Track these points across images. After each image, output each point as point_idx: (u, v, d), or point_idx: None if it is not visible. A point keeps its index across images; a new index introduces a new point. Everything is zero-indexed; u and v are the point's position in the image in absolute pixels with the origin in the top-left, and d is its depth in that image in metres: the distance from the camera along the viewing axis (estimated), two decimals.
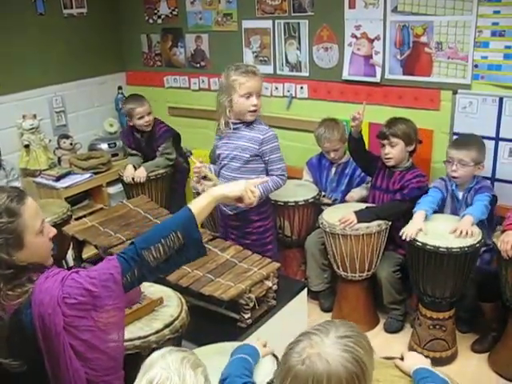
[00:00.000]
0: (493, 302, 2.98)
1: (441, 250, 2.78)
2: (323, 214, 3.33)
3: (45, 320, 1.59)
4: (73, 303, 1.59)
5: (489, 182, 3.18)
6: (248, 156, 2.99)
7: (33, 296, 1.62)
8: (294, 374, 1.26)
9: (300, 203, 3.48)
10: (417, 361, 1.73)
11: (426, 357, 2.83)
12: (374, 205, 3.33)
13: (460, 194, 3.12)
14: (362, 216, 3.15)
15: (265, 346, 1.93)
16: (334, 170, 3.68)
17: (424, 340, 3.02)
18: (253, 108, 2.95)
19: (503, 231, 2.79)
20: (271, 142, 3.00)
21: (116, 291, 1.65)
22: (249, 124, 3.00)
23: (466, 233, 2.80)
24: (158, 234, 1.78)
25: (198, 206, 1.87)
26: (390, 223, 3.20)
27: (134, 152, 4.16)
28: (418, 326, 3.06)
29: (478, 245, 2.81)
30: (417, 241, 2.85)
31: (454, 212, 3.12)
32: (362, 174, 3.61)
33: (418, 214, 2.98)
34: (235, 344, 2.03)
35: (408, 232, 2.88)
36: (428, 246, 2.81)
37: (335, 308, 3.47)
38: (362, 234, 3.14)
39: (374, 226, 3.14)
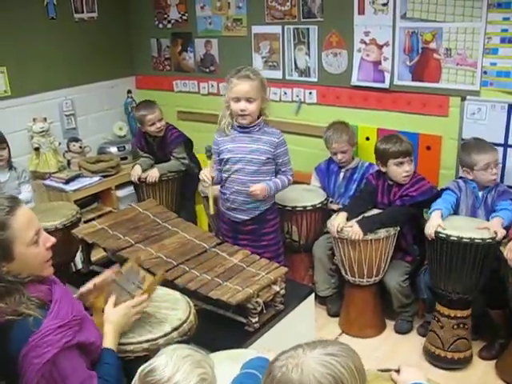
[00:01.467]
0: (501, 309, 2.98)
1: (464, 240, 2.83)
2: (331, 219, 3.34)
3: (25, 363, 1.61)
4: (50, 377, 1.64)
5: (505, 185, 3.17)
6: (264, 158, 3.04)
7: (33, 335, 1.62)
8: (271, 380, 1.27)
9: (308, 208, 3.49)
10: (412, 375, 1.69)
11: (451, 359, 2.94)
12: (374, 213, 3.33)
13: (480, 193, 3.11)
14: (366, 226, 3.15)
15: None
16: (342, 174, 3.68)
17: (448, 342, 3.02)
18: (240, 112, 2.97)
19: (510, 239, 2.79)
20: (284, 145, 3.10)
21: None
22: (260, 127, 3.04)
23: (495, 232, 2.82)
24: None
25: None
26: (398, 229, 3.21)
27: (145, 155, 4.24)
28: (439, 329, 3.05)
29: (497, 239, 2.84)
30: (440, 233, 2.88)
31: (473, 211, 3.12)
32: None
33: (435, 214, 2.99)
34: (248, 352, 2.03)
35: (428, 230, 2.91)
36: (452, 237, 2.85)
37: (342, 312, 3.48)
38: (371, 240, 3.15)
39: (383, 231, 3.16)
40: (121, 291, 2.12)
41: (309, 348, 1.30)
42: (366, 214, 3.29)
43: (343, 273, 3.35)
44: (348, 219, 3.24)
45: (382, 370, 1.83)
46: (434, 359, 3.09)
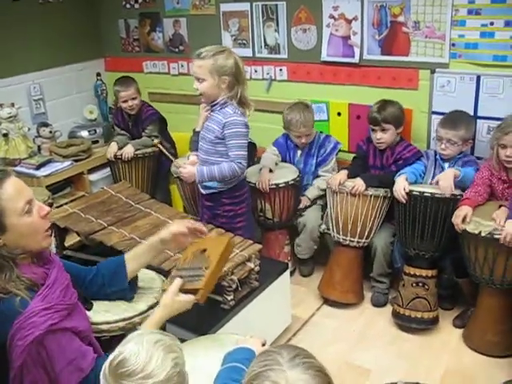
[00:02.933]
0: (466, 277, 3.03)
1: (425, 194, 2.97)
2: (331, 176, 3.42)
3: (11, 346, 1.62)
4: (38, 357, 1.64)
5: (474, 157, 3.22)
6: (213, 137, 2.96)
7: (18, 317, 1.62)
8: None
9: (281, 185, 3.48)
10: None
11: (408, 317, 3.03)
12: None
13: (446, 165, 3.18)
14: (368, 180, 3.24)
15: (264, 345, 1.80)
16: (299, 152, 3.70)
17: (407, 299, 3.11)
18: (196, 91, 2.95)
19: (458, 206, 2.89)
20: (233, 127, 2.91)
21: None
22: (222, 107, 2.94)
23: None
24: None
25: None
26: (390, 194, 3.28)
27: (122, 132, 4.27)
28: (401, 288, 3.15)
29: (459, 196, 2.94)
30: (409, 192, 3.03)
31: None
32: (327, 152, 3.65)
33: (400, 178, 3.11)
34: (230, 337, 2.04)
35: (395, 192, 3.05)
36: (414, 192, 3.00)
37: (325, 275, 3.48)
38: (370, 195, 3.23)
39: (382, 190, 3.24)
40: (189, 277, 2.07)
41: (277, 365, 1.22)
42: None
43: (334, 233, 3.38)
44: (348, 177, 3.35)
45: None
46: (395, 317, 3.19)
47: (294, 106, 3.60)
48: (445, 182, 2.95)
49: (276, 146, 3.75)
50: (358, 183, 3.23)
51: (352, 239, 3.33)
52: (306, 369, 1.21)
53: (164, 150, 3.49)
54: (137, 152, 4.07)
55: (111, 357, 1.37)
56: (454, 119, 3.15)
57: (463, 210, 2.82)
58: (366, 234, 3.32)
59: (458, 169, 3.03)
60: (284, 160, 3.74)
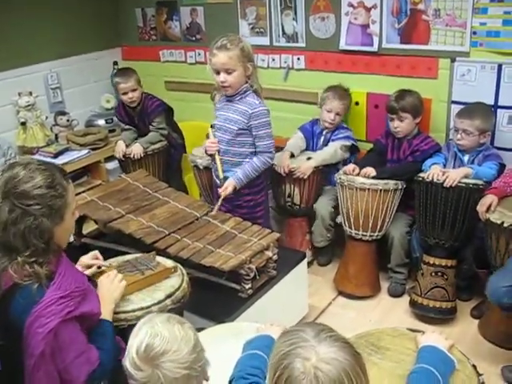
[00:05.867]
0: (486, 268, 3.00)
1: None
2: (340, 171, 3.37)
3: (29, 334, 1.65)
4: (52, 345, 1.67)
5: (496, 150, 3.17)
6: (236, 128, 2.94)
7: (36, 306, 1.66)
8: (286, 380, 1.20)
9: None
10: (431, 339, 1.72)
11: (426, 306, 3.01)
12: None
13: (466, 158, 3.14)
14: (380, 173, 3.23)
15: None
16: (322, 138, 3.68)
17: (425, 288, 3.09)
18: (221, 84, 2.89)
19: (485, 195, 2.84)
20: (260, 117, 2.92)
21: None
22: (242, 97, 2.94)
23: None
24: None
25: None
26: (405, 185, 3.25)
27: (127, 127, 4.13)
28: (420, 277, 3.14)
29: (481, 186, 2.90)
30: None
31: None
32: (342, 137, 3.62)
33: (434, 166, 3.08)
34: (250, 325, 2.02)
35: (434, 172, 2.98)
36: (435, 181, 2.96)
37: (340, 269, 3.47)
38: (380, 190, 3.18)
39: (392, 183, 3.20)
40: (131, 268, 2.26)
41: (306, 342, 1.22)
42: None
43: (346, 227, 3.36)
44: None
45: (411, 330, 1.88)
46: (413, 306, 3.17)
47: (332, 86, 3.62)
48: (453, 173, 2.93)
49: (302, 131, 3.75)
50: (368, 170, 3.22)
51: (364, 233, 3.31)
52: (334, 341, 1.21)
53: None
54: (146, 150, 3.92)
55: (134, 348, 1.40)
56: (470, 109, 3.12)
57: (489, 198, 2.77)
58: (379, 227, 3.29)
59: (471, 167, 3.00)
60: (308, 144, 3.73)
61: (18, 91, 4.16)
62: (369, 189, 3.19)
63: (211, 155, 3.07)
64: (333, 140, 3.62)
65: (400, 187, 3.23)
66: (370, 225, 3.27)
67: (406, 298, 3.32)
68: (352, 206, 3.27)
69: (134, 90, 3.93)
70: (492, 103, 3.19)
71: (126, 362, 1.40)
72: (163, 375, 1.36)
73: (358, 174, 3.26)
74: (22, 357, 1.67)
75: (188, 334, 1.42)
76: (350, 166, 3.32)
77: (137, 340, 1.40)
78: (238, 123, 2.94)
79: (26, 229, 1.69)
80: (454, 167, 3.16)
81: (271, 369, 1.24)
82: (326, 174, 3.64)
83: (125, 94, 3.93)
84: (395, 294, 3.40)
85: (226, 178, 2.99)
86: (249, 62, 2.88)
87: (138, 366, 1.38)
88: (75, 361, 1.71)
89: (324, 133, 3.67)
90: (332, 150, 3.53)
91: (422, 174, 3.07)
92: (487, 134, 3.09)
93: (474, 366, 1.70)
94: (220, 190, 2.97)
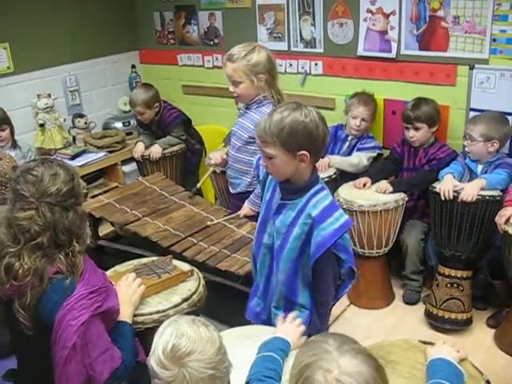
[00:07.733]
0: (502, 280, 2.98)
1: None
2: (339, 190, 3.32)
3: (61, 326, 1.69)
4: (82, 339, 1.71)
5: (511, 159, 3.11)
6: (246, 136, 2.86)
7: (68, 299, 1.70)
8: None
9: (325, 179, 3.44)
10: (441, 351, 1.70)
11: (442, 317, 2.98)
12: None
13: (478, 169, 3.10)
14: (396, 185, 3.23)
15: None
16: (347, 144, 3.66)
17: (440, 300, 3.07)
18: (233, 93, 2.86)
19: (504, 206, 2.78)
20: None
21: None
22: (258, 106, 2.84)
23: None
24: None
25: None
26: (406, 199, 3.23)
27: (146, 132, 4.21)
28: (435, 288, 3.11)
29: (498, 197, 2.86)
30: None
31: None
32: (369, 148, 3.60)
33: (448, 176, 3.04)
34: (266, 329, 2.02)
35: (445, 187, 2.93)
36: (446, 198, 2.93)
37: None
38: (380, 211, 3.15)
39: (392, 201, 3.17)
40: (149, 272, 2.27)
41: (326, 353, 1.22)
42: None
43: (352, 246, 3.33)
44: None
45: (423, 342, 1.86)
46: (428, 317, 3.14)
47: (357, 93, 3.62)
48: (470, 188, 2.90)
49: None
50: (383, 186, 3.22)
51: (370, 251, 3.30)
52: (356, 353, 1.21)
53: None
54: (164, 151, 3.98)
55: (160, 347, 1.40)
56: (478, 115, 3.12)
57: (509, 211, 2.71)
58: (384, 243, 3.28)
59: (484, 177, 2.96)
60: (327, 151, 3.67)
61: (37, 93, 4.20)
62: (368, 211, 3.15)
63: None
64: (359, 149, 3.60)
65: (401, 203, 3.20)
66: (375, 243, 3.26)
67: (420, 306, 3.30)
68: (354, 227, 3.22)
69: (142, 114, 4.03)
70: (511, 111, 3.16)
71: (152, 362, 1.41)
72: (189, 374, 1.37)
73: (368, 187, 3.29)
74: (48, 350, 1.70)
75: (213, 335, 1.44)
76: (362, 180, 3.30)
77: (162, 340, 1.41)
78: (248, 131, 2.85)
79: (69, 222, 1.76)
80: (468, 177, 3.12)
81: (292, 379, 1.23)
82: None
83: (138, 114, 4.06)
84: (410, 301, 3.37)
85: (198, 190, 3.11)
86: (259, 75, 2.74)
87: (164, 364, 1.38)
88: (100, 357, 1.74)
89: (349, 139, 3.65)
90: (356, 161, 3.51)
91: (436, 185, 3.02)
92: (495, 143, 3.01)
93: (489, 382, 1.66)
94: (241, 213, 2.92)
